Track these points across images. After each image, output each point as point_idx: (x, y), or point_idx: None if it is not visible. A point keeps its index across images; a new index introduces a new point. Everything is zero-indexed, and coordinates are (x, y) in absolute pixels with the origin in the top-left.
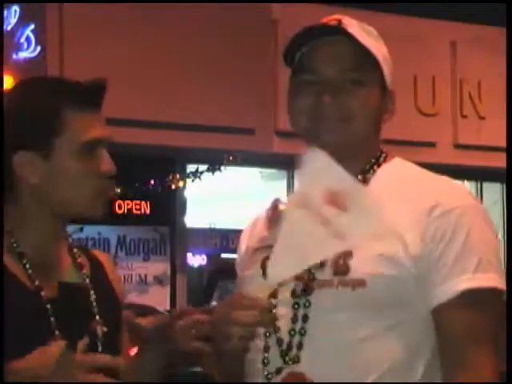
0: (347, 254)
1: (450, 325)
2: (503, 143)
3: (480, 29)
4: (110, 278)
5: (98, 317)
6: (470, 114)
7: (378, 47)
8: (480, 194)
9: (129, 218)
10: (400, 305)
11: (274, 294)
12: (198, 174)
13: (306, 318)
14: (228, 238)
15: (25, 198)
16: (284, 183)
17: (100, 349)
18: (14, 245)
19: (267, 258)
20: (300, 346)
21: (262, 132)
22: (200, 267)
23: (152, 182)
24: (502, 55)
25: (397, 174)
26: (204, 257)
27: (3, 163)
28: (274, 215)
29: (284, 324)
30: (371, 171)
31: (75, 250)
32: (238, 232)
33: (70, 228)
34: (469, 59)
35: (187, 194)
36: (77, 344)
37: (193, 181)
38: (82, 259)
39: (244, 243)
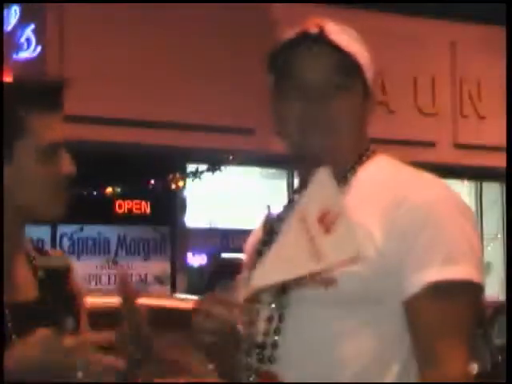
0: None
1: (419, 318)
2: (503, 143)
3: (480, 29)
4: (70, 279)
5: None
6: (470, 113)
7: (360, 52)
8: (480, 193)
9: (129, 218)
10: (374, 301)
11: (254, 297)
12: (198, 174)
13: (281, 318)
14: (228, 237)
15: None
16: (284, 183)
17: None
18: None
19: (255, 263)
20: (275, 346)
21: (263, 132)
22: (200, 267)
23: (152, 181)
24: (501, 55)
25: (375, 173)
26: (204, 256)
27: (3, 162)
28: (266, 221)
29: (261, 325)
30: (352, 171)
31: (33, 254)
32: (238, 232)
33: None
34: (468, 59)
35: (187, 193)
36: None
37: (193, 180)
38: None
39: (249, 245)
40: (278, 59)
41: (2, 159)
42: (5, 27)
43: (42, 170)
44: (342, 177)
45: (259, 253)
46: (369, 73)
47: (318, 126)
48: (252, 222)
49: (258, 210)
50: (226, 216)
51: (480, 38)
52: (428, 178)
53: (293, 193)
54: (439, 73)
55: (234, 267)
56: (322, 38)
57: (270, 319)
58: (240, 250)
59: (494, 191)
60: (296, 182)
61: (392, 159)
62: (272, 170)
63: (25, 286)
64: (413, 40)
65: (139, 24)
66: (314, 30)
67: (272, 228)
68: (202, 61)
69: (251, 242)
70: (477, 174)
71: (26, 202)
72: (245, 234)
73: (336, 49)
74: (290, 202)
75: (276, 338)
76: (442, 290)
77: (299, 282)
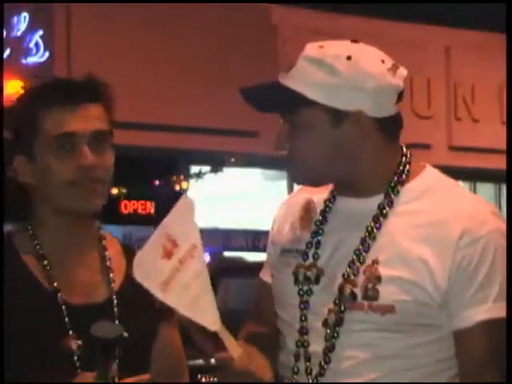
0: (376, 279)
1: (468, 350)
2: (496, 145)
3: (474, 35)
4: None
5: (117, 321)
6: (464, 116)
7: (316, 78)
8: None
9: (134, 218)
10: (427, 326)
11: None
12: (201, 175)
13: (333, 347)
14: (230, 237)
15: (34, 200)
16: (285, 183)
17: (116, 353)
18: (37, 247)
19: (301, 265)
20: (327, 362)
21: (265, 134)
22: None
23: (157, 182)
24: (494, 60)
25: (424, 195)
26: (207, 255)
27: (3, 161)
28: (308, 216)
29: (315, 345)
30: (395, 192)
31: (106, 252)
32: (239, 232)
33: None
34: (463, 64)
35: (191, 194)
36: (91, 348)
37: (196, 181)
38: (117, 260)
39: (274, 235)
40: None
41: (3, 158)
42: (14, 33)
43: (59, 164)
44: (386, 199)
45: (304, 254)
46: (334, 99)
47: (286, 161)
48: (253, 222)
49: (258, 211)
50: (228, 217)
51: (474, 43)
52: (481, 206)
53: (331, 194)
54: (434, 77)
55: (236, 266)
56: (282, 76)
57: (325, 351)
58: (241, 249)
59: (487, 191)
60: (295, 184)
61: (442, 176)
62: (273, 172)
63: (88, 287)
64: (409, 45)
65: (145, 28)
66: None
67: (318, 229)
68: (206, 64)
69: (281, 234)
70: (471, 175)
71: (56, 198)
72: (246, 234)
73: (292, 92)
74: (331, 203)
75: (329, 354)
76: (491, 327)
77: (355, 306)
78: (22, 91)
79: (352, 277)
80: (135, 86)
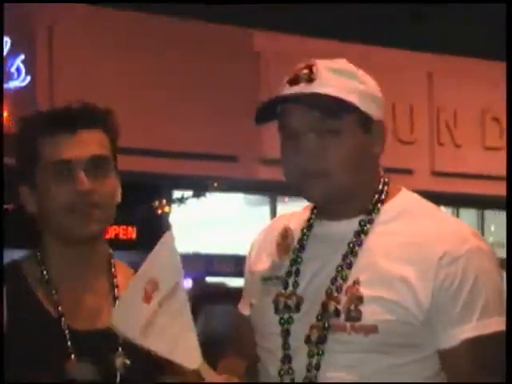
0: (358, 300)
1: (456, 368)
2: (479, 170)
3: (456, 59)
4: None
5: (120, 349)
6: (447, 141)
7: (351, 86)
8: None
9: (115, 243)
10: (410, 346)
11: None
12: (184, 200)
13: (318, 366)
14: (213, 262)
15: (40, 227)
16: (267, 209)
17: (118, 380)
18: (44, 272)
19: (281, 294)
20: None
21: (246, 159)
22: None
23: (139, 207)
24: (476, 85)
25: (402, 215)
26: (189, 281)
27: (3, 167)
28: (285, 243)
29: (299, 372)
30: (375, 210)
31: (115, 278)
32: (221, 257)
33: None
34: (445, 89)
35: (173, 219)
36: (93, 371)
37: (178, 206)
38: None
39: (251, 264)
40: (275, 108)
41: (2, 161)
42: None
43: (56, 190)
44: (365, 216)
45: (284, 282)
46: (368, 103)
47: (313, 176)
48: (235, 247)
49: (241, 236)
50: (210, 241)
51: (455, 68)
52: (460, 226)
53: (308, 220)
54: (417, 102)
55: (218, 291)
56: (308, 94)
57: (308, 367)
58: (224, 275)
59: (470, 217)
60: (279, 208)
61: (417, 197)
62: (255, 197)
63: (93, 312)
64: (391, 70)
65: (126, 51)
66: (303, 73)
67: (297, 257)
68: (187, 88)
69: (259, 262)
70: (454, 201)
71: (54, 223)
72: (229, 259)
73: (322, 94)
74: (309, 230)
75: (314, 374)
76: (478, 344)
77: (337, 328)
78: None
79: (335, 293)
80: (118, 110)
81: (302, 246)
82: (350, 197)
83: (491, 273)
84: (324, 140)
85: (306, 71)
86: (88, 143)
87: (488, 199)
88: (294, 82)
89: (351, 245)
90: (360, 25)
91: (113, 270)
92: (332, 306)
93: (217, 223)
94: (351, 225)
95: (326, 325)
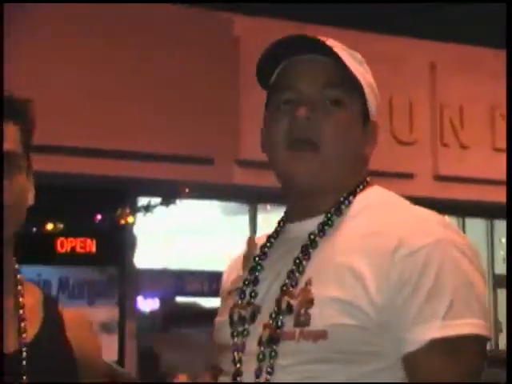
0: (308, 302)
1: (421, 375)
2: (487, 174)
3: (462, 48)
4: (69, 337)
5: (24, 377)
6: (452, 142)
7: (362, 73)
8: (462, 230)
9: (72, 258)
10: (368, 354)
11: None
12: (151, 208)
13: (271, 371)
14: (184, 279)
15: None
16: (246, 218)
17: None
18: None
19: (236, 305)
20: None
21: (222, 161)
22: (152, 312)
23: (99, 216)
24: (485, 78)
25: (367, 209)
26: (157, 301)
27: (2, 163)
28: (249, 253)
29: (249, 378)
30: (346, 202)
31: (21, 299)
32: (194, 273)
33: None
34: (449, 82)
35: (138, 230)
36: None
37: (144, 215)
38: (34, 309)
39: (223, 284)
40: (272, 71)
41: (2, 161)
42: None
43: None
44: (336, 209)
45: (242, 292)
46: (370, 96)
47: (306, 145)
48: (210, 262)
49: (217, 249)
50: (181, 256)
51: (462, 58)
52: (426, 216)
53: (278, 225)
54: (417, 97)
55: (190, 313)
56: (324, 48)
57: (257, 372)
58: (197, 294)
59: (478, 227)
60: (260, 217)
61: (387, 191)
62: (233, 204)
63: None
64: (387, 60)
65: (88, 45)
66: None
67: (256, 265)
68: (155, 83)
69: (229, 280)
70: (459, 209)
71: None
72: (202, 275)
73: (337, 63)
74: (275, 234)
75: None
76: (445, 347)
77: (286, 335)
78: None
79: (291, 289)
80: (75, 106)
81: (264, 253)
82: (328, 188)
83: (463, 268)
84: (325, 108)
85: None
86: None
87: (498, 207)
88: (301, 44)
89: (303, 248)
90: (352, 10)
91: (19, 287)
92: (285, 300)
93: (188, 235)
94: (315, 223)
95: (280, 323)
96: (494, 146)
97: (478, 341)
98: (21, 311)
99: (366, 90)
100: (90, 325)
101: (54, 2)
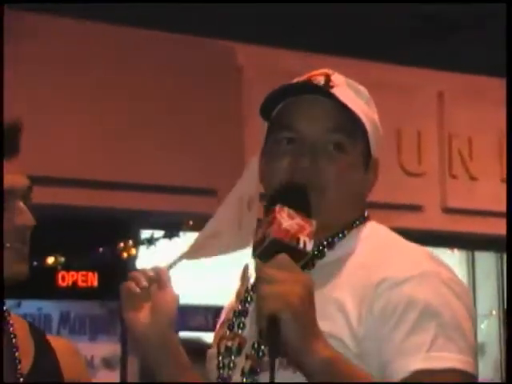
0: None
1: None
2: (498, 207)
3: (471, 78)
4: (62, 366)
5: None
6: (461, 174)
7: (367, 112)
8: (472, 264)
9: (73, 292)
10: None
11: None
12: (153, 241)
13: None
14: (187, 314)
15: None
16: (250, 251)
17: None
18: None
19: (223, 336)
20: None
21: (226, 193)
22: None
23: (101, 249)
24: (495, 108)
25: (359, 244)
26: None
27: (2, 165)
28: (242, 284)
29: None
30: (340, 235)
31: (11, 328)
32: (198, 308)
33: (7, 303)
34: (458, 112)
35: (140, 263)
36: None
37: (147, 248)
38: (25, 342)
39: (221, 315)
40: (274, 106)
41: (2, 162)
42: None
43: None
44: (329, 242)
45: (231, 324)
46: (374, 135)
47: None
48: (213, 296)
49: (220, 284)
50: (184, 290)
51: (471, 88)
52: (412, 249)
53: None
54: (425, 127)
55: (193, 348)
56: (326, 91)
57: None
58: (200, 329)
59: (488, 261)
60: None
61: (380, 226)
62: None
63: None
64: (395, 90)
65: (91, 78)
66: (319, 79)
67: (247, 296)
68: (160, 114)
69: (225, 310)
70: (469, 242)
71: None
72: (206, 310)
73: (340, 104)
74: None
75: None
76: (429, 378)
77: (266, 366)
78: None
79: None
80: (78, 136)
81: (255, 285)
82: (326, 224)
83: (450, 302)
84: (328, 153)
85: (321, 77)
86: (17, 171)
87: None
88: (307, 82)
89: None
90: (359, 38)
91: (8, 317)
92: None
93: (192, 269)
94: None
95: (260, 354)
96: (502, 177)
97: (463, 377)
98: (13, 340)
99: (369, 129)
100: (77, 351)
101: (53, 26)
